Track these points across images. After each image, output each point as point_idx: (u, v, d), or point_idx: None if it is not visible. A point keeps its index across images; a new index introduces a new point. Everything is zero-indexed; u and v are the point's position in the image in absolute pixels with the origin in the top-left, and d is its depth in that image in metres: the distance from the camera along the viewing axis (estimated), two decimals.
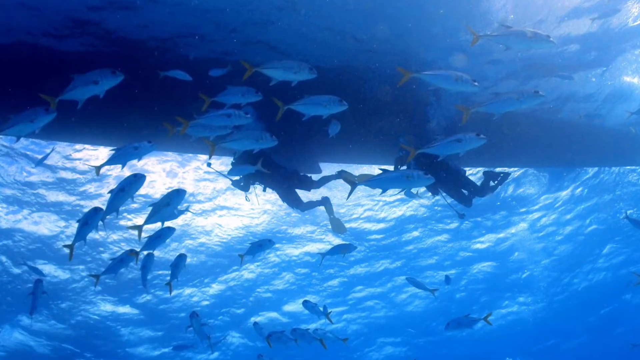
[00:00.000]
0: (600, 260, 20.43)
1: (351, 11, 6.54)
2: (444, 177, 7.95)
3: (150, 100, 7.21)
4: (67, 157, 12.20)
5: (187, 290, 18.27)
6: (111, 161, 5.01)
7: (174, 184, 13.27)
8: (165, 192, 8.97)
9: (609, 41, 8.52)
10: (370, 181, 5.17)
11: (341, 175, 8.32)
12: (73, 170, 12.62)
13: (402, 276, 18.78)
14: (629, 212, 17.08)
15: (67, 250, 5.39)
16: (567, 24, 7.93)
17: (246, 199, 8.90)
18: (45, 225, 14.15)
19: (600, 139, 11.11)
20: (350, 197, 5.59)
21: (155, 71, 5.88)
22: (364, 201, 15.19)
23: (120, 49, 6.78)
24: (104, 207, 5.15)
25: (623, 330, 26.37)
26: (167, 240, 6.40)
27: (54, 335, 18.39)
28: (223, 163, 10.71)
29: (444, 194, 8.43)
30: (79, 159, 12.31)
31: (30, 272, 14.79)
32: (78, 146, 11.76)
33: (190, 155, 12.12)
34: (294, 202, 8.68)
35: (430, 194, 8.75)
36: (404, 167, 7.82)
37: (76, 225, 5.25)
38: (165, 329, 19.47)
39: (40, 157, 11.29)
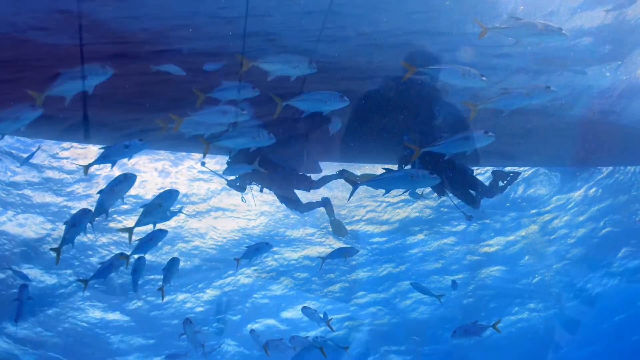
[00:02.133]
0: (614, 264, 20.42)
1: (353, 2, 6.54)
2: (451, 176, 7.95)
3: (141, 96, 7.21)
4: (54, 156, 12.21)
5: (180, 296, 18.28)
6: (100, 160, 5.02)
7: (167, 184, 13.28)
8: (157, 192, 8.97)
9: (625, 34, 8.51)
10: (372, 181, 5.18)
11: (342, 175, 8.32)
12: (60, 169, 12.63)
13: (407, 281, 18.77)
14: None
15: (53, 254, 5.40)
16: (580, 16, 7.93)
17: (242, 200, 8.92)
18: (31, 227, 14.16)
19: (615, 137, 11.10)
20: (352, 198, 5.59)
21: (147, 65, 5.88)
22: (366, 202, 15.19)
23: (110, 42, 6.78)
24: (92, 209, 5.15)
25: (639, 338, 26.38)
26: (159, 243, 6.41)
27: (40, 344, 18.37)
28: (218, 162, 10.71)
29: (450, 195, 8.43)
30: (67, 158, 12.32)
31: (15, 276, 14.78)
32: (65, 144, 11.77)
33: (184, 154, 12.14)
34: (292, 203, 8.69)
35: (435, 194, 8.76)
36: (409, 167, 7.82)
37: (63, 227, 5.26)
38: (157, 337, 19.46)
39: (25, 155, 11.29)
